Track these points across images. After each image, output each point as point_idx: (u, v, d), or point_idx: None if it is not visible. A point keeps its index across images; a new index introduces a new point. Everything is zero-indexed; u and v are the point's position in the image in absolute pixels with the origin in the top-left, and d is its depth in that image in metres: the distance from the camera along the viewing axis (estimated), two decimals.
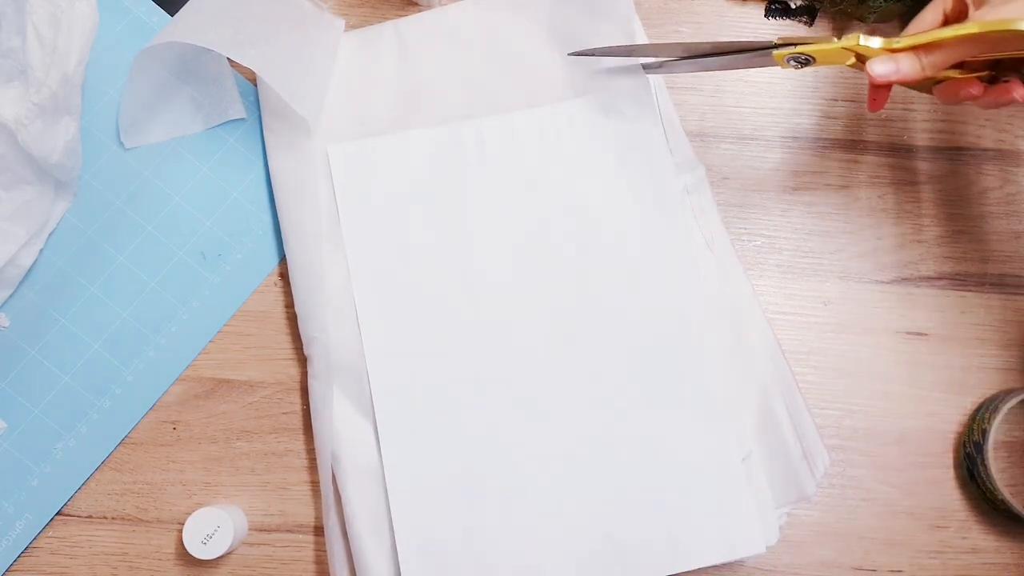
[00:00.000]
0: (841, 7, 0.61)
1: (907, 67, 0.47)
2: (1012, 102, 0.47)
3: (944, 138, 0.60)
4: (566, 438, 0.55)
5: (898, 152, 0.60)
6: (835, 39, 0.49)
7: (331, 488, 0.55)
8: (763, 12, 0.62)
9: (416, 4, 0.62)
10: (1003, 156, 0.60)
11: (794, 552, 0.56)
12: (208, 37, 0.55)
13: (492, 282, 0.57)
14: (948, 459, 0.57)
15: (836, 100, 0.61)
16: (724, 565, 0.56)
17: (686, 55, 0.56)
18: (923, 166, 0.60)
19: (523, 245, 0.58)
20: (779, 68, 0.52)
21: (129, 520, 0.57)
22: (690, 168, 0.59)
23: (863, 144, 0.61)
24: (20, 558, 0.57)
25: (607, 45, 0.57)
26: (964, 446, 0.57)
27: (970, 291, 0.59)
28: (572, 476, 0.55)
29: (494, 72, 0.60)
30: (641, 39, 0.61)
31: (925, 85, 0.50)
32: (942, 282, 0.59)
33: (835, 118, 0.61)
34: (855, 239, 0.60)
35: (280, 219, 0.59)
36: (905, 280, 0.59)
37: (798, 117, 0.61)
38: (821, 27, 0.62)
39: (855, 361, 0.58)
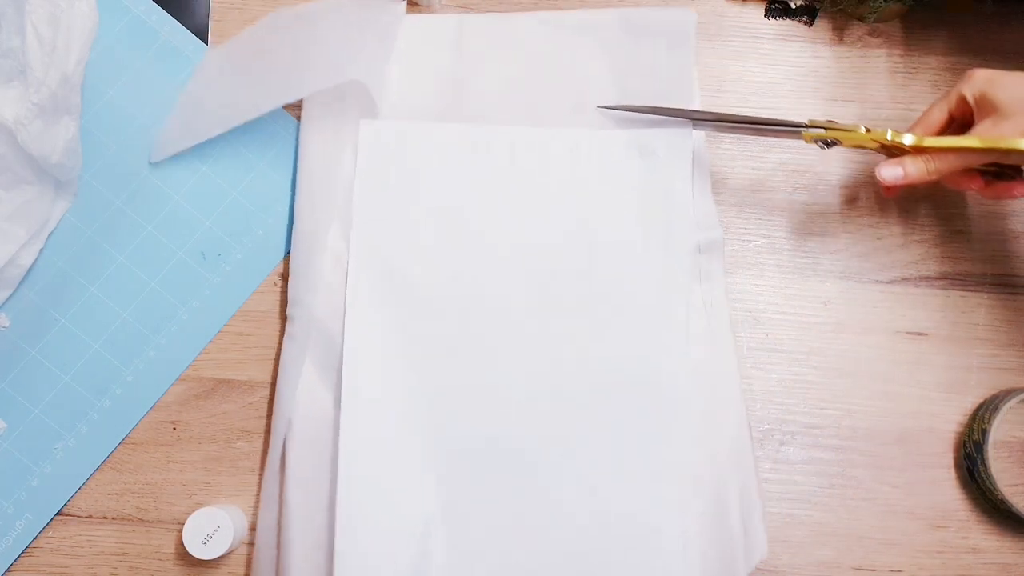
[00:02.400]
0: (841, 7, 0.61)
1: (914, 171, 0.51)
2: (1013, 198, 0.52)
3: None
4: (522, 468, 0.55)
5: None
6: (863, 128, 0.53)
7: (279, 450, 0.55)
8: (763, 12, 0.62)
9: (416, 4, 0.62)
10: None
11: (794, 552, 0.56)
12: (261, 104, 0.57)
13: (487, 292, 0.57)
14: (948, 459, 0.57)
15: (836, 100, 0.61)
16: None
17: (716, 121, 0.57)
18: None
19: (526, 260, 0.57)
20: (803, 142, 0.55)
21: (129, 520, 0.57)
22: (709, 228, 0.58)
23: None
24: (20, 558, 0.57)
25: (641, 104, 0.58)
26: (964, 446, 0.57)
27: (970, 291, 0.59)
28: (522, 512, 0.54)
29: (544, 86, 0.60)
30: (695, 92, 0.60)
31: None
32: (942, 282, 0.59)
33: (836, 118, 0.61)
34: (855, 239, 0.60)
35: (297, 185, 0.59)
36: (905, 280, 0.59)
37: (798, 117, 0.61)
38: (821, 27, 0.62)
39: (855, 361, 0.58)
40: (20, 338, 0.58)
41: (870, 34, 0.62)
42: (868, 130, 0.53)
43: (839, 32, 0.62)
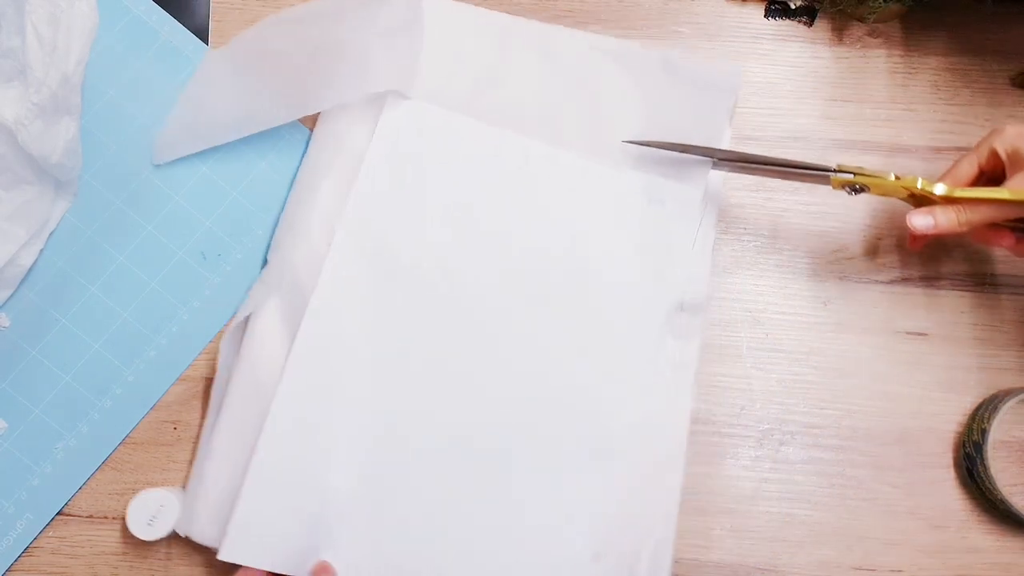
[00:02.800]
0: (841, 8, 0.61)
1: (944, 222, 0.50)
2: None
3: (944, 138, 0.60)
4: (452, 465, 0.55)
5: (898, 152, 0.60)
6: (893, 176, 0.52)
7: (223, 380, 0.56)
8: (763, 12, 0.62)
9: None
10: None
11: (794, 552, 0.56)
12: (280, 114, 0.58)
13: (466, 290, 0.57)
14: (948, 459, 0.57)
15: (836, 100, 0.61)
16: (725, 565, 0.56)
17: (741, 161, 0.56)
18: (923, 166, 0.60)
19: (513, 269, 0.58)
20: (831, 189, 0.54)
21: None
22: (696, 288, 0.57)
23: (863, 144, 0.61)
24: (21, 558, 0.57)
25: (668, 141, 0.57)
26: (964, 446, 0.57)
27: (970, 291, 0.59)
28: (447, 508, 0.55)
29: (572, 108, 0.60)
30: (724, 146, 0.59)
31: None
32: (942, 282, 0.59)
33: (835, 118, 0.61)
34: (855, 239, 0.60)
35: (313, 137, 0.60)
36: (905, 280, 0.59)
37: (798, 117, 0.61)
38: (820, 27, 0.62)
39: (855, 361, 0.58)
40: (20, 338, 0.58)
41: (870, 34, 0.62)
42: (898, 177, 0.52)
43: (839, 32, 0.62)
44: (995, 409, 0.55)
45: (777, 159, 0.55)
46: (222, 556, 0.53)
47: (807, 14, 0.62)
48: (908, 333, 0.58)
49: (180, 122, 0.60)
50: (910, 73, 0.62)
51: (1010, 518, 0.55)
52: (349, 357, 0.56)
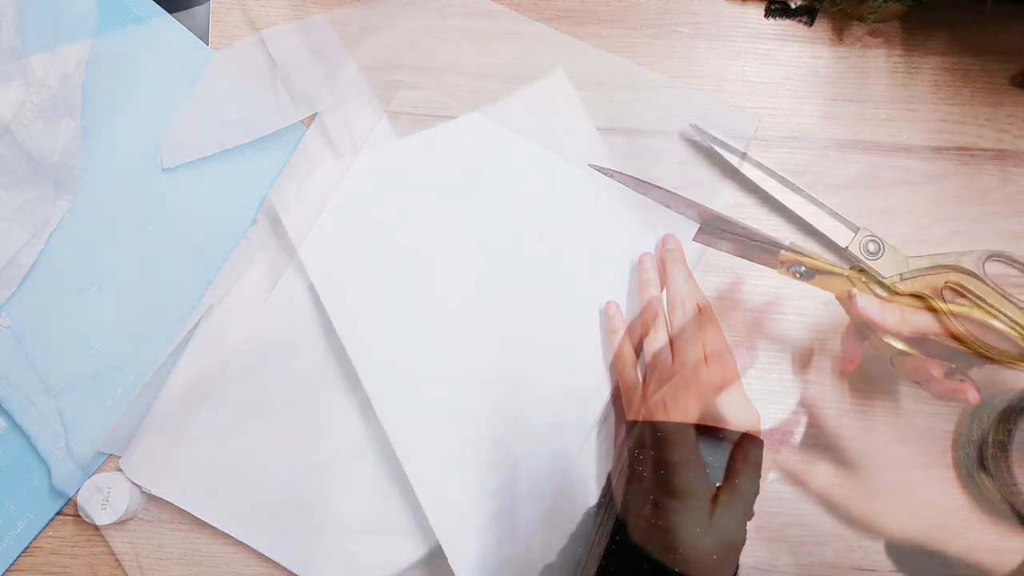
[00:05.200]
0: (841, 7, 0.61)
1: (890, 316, 0.52)
2: (963, 401, 0.52)
3: (944, 138, 0.60)
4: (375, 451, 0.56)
5: (898, 152, 0.61)
6: (844, 269, 0.53)
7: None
8: (763, 12, 0.62)
9: None
10: (1003, 156, 0.60)
11: (794, 552, 0.56)
12: (291, 114, 0.60)
13: (440, 280, 0.58)
14: (948, 459, 0.57)
15: (836, 100, 0.61)
16: None
17: (696, 217, 0.57)
18: (923, 166, 0.60)
19: (490, 270, 0.58)
20: (777, 273, 0.55)
21: (129, 519, 0.57)
22: None
23: (863, 144, 0.61)
24: (21, 557, 0.57)
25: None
26: (964, 446, 0.57)
27: None
28: (368, 486, 0.56)
29: (584, 124, 0.60)
30: (726, 195, 0.60)
31: (886, 354, 0.54)
32: None
33: (835, 118, 0.61)
34: None
35: (316, 120, 0.60)
36: (905, 280, 0.59)
37: (798, 117, 0.61)
38: (821, 27, 0.62)
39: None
40: (21, 338, 0.58)
41: (870, 34, 0.62)
42: (852, 268, 0.52)
43: (839, 32, 0.62)
44: (995, 409, 0.55)
45: (732, 222, 0.55)
46: (153, 491, 0.56)
47: (807, 14, 0.62)
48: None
49: (188, 125, 0.60)
50: (910, 73, 0.62)
51: (1010, 518, 0.55)
52: (314, 323, 0.57)
